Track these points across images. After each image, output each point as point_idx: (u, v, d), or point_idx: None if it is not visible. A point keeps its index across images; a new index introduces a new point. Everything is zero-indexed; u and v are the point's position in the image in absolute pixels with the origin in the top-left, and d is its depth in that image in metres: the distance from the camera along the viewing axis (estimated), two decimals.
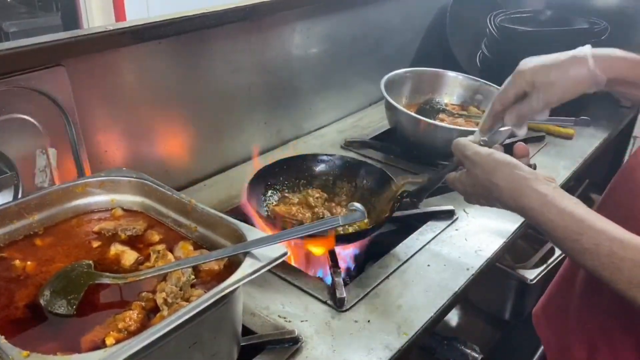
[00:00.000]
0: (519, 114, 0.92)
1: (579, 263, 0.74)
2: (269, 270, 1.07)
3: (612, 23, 1.84)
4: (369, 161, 1.43)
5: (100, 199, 0.95)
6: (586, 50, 0.89)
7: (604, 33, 1.82)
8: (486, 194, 0.80)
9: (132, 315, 0.72)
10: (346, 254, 1.18)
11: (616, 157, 2.16)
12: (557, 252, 1.68)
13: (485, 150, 0.85)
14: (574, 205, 0.74)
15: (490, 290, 1.69)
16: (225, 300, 0.72)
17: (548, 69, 0.89)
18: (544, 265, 1.62)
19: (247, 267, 0.73)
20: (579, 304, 0.90)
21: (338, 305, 1.00)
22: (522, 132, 0.93)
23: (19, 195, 1.01)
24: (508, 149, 0.92)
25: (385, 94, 1.51)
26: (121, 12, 1.97)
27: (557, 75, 0.88)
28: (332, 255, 1.12)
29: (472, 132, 0.99)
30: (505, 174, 0.78)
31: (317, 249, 1.13)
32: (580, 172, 1.56)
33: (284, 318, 0.98)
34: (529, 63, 0.91)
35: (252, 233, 0.80)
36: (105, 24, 1.11)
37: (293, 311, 0.99)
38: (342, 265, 1.15)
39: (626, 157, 2.13)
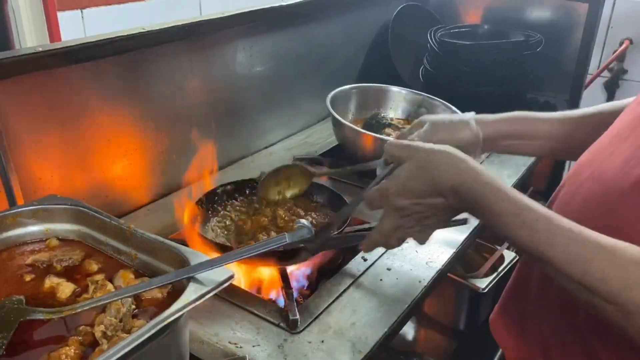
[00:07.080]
0: None
1: (516, 240, 0.74)
2: (218, 295, 1.04)
3: (546, 35, 1.92)
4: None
5: (33, 229, 0.90)
6: (470, 115, 1.06)
7: (539, 45, 1.89)
8: (425, 179, 0.80)
9: (69, 352, 0.67)
10: (298, 273, 1.15)
11: (557, 167, 2.24)
12: (507, 259, 1.71)
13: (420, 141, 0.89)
14: (508, 186, 0.77)
15: (444, 301, 1.69)
16: (169, 329, 0.68)
17: (439, 127, 1.06)
18: (495, 274, 1.64)
19: (190, 293, 0.70)
20: (534, 307, 0.91)
21: (291, 327, 0.97)
22: None
23: None
24: None
25: (331, 110, 1.50)
26: (56, 35, 1.89)
27: (444, 134, 1.04)
28: (284, 276, 1.09)
29: None
30: (442, 156, 0.81)
31: (268, 270, 1.10)
32: (524, 180, 1.60)
33: (235, 344, 0.94)
34: (427, 118, 1.09)
35: (196, 257, 0.76)
36: (37, 45, 1.06)
37: (244, 336, 0.96)
38: (295, 285, 1.12)
39: (566, 167, 2.21)
